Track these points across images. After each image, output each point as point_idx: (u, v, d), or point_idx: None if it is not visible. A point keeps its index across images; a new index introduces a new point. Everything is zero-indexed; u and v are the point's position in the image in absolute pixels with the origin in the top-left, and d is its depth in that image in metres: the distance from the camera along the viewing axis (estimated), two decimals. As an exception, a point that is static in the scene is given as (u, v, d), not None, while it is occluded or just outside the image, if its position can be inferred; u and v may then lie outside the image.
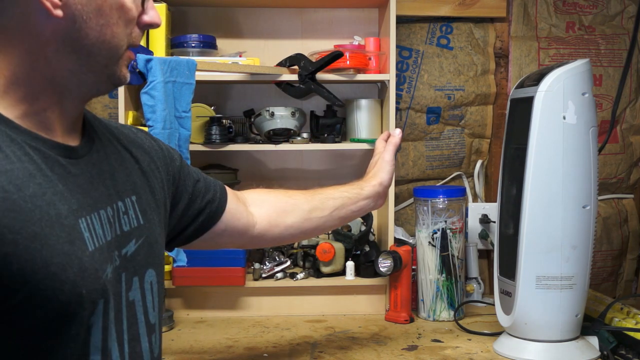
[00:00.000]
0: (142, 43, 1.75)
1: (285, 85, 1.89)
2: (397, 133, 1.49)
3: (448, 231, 1.83)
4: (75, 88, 0.85)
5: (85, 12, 0.81)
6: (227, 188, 1.26)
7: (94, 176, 0.88)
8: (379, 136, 1.54)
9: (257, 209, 1.30)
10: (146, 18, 0.90)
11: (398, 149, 1.48)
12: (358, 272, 1.90)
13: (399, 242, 1.97)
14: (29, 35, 0.80)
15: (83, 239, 0.80)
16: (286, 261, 1.92)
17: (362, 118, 1.94)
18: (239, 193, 1.31)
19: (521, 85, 1.57)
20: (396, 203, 2.08)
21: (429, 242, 1.85)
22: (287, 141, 1.90)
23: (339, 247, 1.88)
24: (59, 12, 0.79)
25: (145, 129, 1.59)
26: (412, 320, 1.83)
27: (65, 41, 0.81)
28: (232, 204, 1.23)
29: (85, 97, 0.89)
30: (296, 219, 1.32)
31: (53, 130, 0.84)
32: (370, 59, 1.95)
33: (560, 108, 1.46)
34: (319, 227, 1.36)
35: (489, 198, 2.17)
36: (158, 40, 1.81)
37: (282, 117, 1.87)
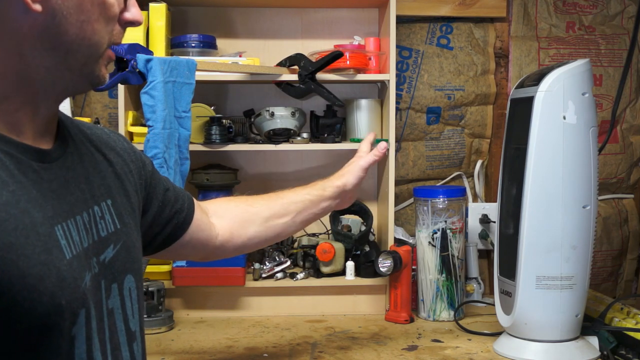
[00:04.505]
0: (142, 43, 1.75)
1: (285, 85, 1.89)
2: (381, 147, 1.46)
3: (448, 231, 1.83)
4: (50, 87, 0.81)
5: (66, 7, 0.77)
6: (194, 199, 1.23)
7: (68, 180, 0.84)
8: (378, 136, 1.52)
9: (218, 220, 1.27)
10: (128, 15, 0.86)
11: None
12: (358, 272, 1.90)
13: (399, 242, 1.97)
14: (4, 30, 0.76)
15: (60, 247, 0.76)
16: (286, 261, 1.92)
17: (362, 118, 1.94)
18: (202, 204, 1.28)
19: (521, 85, 1.57)
20: (396, 203, 2.08)
21: (429, 242, 1.84)
22: (287, 141, 1.90)
23: (339, 247, 1.88)
24: (37, 7, 0.75)
25: (145, 129, 1.59)
26: (412, 320, 1.83)
27: (43, 37, 0.77)
28: (197, 215, 1.21)
29: (60, 97, 0.85)
30: (258, 227, 1.30)
31: (24, 132, 0.80)
32: (370, 59, 1.95)
33: (560, 108, 1.46)
34: (282, 232, 1.35)
35: (489, 198, 2.17)
36: (158, 40, 1.81)
37: (282, 117, 1.87)
